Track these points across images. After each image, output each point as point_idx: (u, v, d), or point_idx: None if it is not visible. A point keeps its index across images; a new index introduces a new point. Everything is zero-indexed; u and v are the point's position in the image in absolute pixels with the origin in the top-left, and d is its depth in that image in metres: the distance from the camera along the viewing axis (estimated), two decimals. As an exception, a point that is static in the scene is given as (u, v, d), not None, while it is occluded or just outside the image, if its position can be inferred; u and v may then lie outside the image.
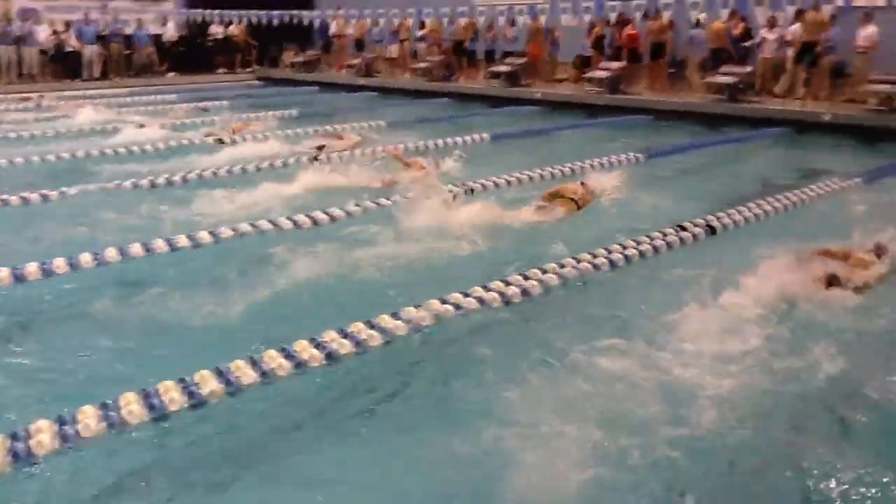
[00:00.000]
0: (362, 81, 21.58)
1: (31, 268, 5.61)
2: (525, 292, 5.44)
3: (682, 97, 15.98)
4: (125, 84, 21.01)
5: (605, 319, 5.25)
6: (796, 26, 14.88)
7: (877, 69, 13.87)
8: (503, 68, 18.88)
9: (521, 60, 19.02)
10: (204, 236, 6.55)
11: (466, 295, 5.21)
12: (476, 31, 20.73)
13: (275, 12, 23.25)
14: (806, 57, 14.78)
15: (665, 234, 6.74)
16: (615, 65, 17.09)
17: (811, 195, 8.31)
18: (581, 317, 5.37)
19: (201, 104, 15.27)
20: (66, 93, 18.24)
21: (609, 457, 3.63)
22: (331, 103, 18.32)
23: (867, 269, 5.79)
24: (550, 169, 9.56)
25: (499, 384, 4.28)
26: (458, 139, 11.84)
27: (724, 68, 15.54)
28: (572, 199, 7.69)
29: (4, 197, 7.81)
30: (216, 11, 23.94)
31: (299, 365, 4.24)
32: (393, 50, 23.02)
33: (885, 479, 3.48)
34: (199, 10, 24.20)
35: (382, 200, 7.92)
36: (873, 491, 3.44)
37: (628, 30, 17.05)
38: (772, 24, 15.30)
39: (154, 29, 23.72)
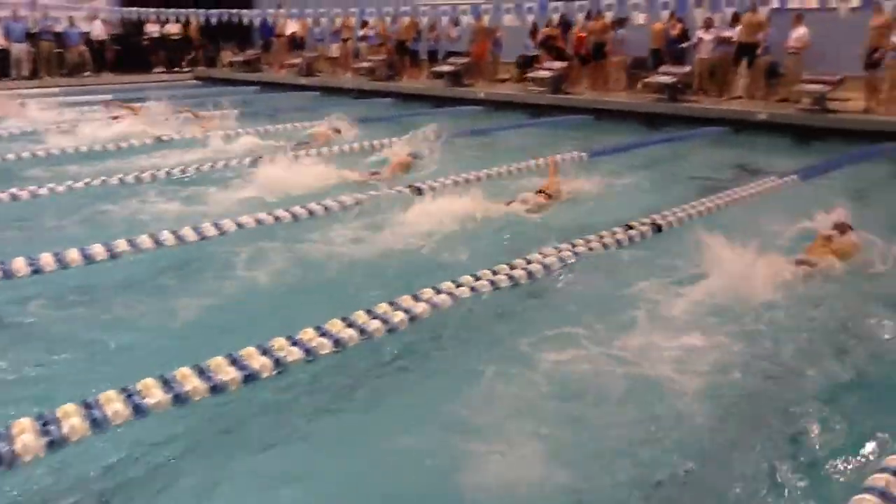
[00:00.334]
0: (304, 81, 21.33)
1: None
2: (474, 289, 5.45)
3: (624, 97, 16.21)
4: (56, 84, 20.33)
5: (557, 318, 5.26)
6: (738, 28, 15.24)
7: (809, 69, 14.27)
8: (446, 68, 18.87)
9: (464, 60, 19.05)
10: (145, 241, 6.34)
11: (417, 299, 5.15)
12: (419, 30, 20.68)
13: (213, 11, 22.78)
14: (744, 57, 15.17)
15: (614, 233, 6.80)
16: (557, 65, 17.23)
17: (752, 192, 8.50)
18: (532, 316, 5.39)
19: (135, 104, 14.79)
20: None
21: (567, 453, 3.65)
22: (272, 103, 18.04)
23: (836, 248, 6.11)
24: (497, 168, 9.57)
25: (451, 384, 4.30)
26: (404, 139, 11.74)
27: (662, 68, 15.82)
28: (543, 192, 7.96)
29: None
30: (152, 10, 23.34)
31: (249, 377, 4.12)
32: (335, 49, 22.82)
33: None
34: (135, 9, 23.55)
35: (343, 198, 7.87)
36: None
37: (577, 31, 17.20)
38: (708, 25, 15.62)
39: (86, 27, 23.01)
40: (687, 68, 15.85)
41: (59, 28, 22.20)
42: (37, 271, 5.65)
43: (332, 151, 10.90)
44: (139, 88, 19.60)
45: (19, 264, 5.62)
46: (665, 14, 15.88)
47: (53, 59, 21.95)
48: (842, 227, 6.40)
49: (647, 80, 15.91)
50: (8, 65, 20.89)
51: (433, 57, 20.46)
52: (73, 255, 5.86)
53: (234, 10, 22.93)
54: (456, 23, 19.73)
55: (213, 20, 23.08)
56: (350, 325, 4.69)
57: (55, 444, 3.46)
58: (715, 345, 4.73)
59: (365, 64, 20.93)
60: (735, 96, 15.34)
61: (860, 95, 13.81)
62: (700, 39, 15.76)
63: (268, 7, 23.83)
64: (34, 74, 21.25)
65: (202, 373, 4.02)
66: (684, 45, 16.42)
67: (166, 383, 3.89)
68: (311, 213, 7.43)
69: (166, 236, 6.42)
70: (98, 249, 6.00)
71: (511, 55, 19.38)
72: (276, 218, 7.19)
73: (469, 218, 7.35)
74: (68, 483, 3.42)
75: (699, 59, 15.93)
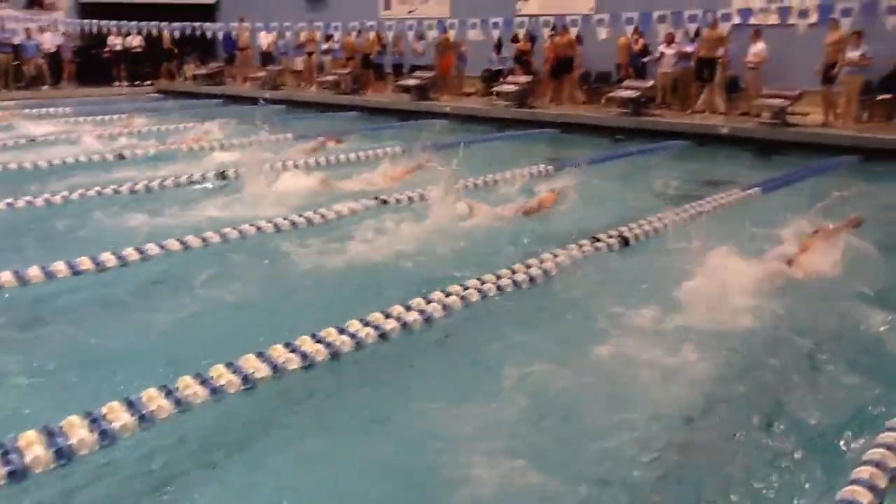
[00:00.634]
0: (268, 94, 21.20)
1: None
2: (445, 307, 5.40)
3: (589, 111, 16.37)
4: (11, 97, 19.92)
5: (527, 332, 5.28)
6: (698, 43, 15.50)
7: (768, 84, 14.55)
8: (412, 82, 18.90)
9: (430, 74, 19.10)
10: (108, 258, 6.21)
11: (388, 315, 5.11)
12: (384, 44, 20.70)
13: (176, 24, 22.55)
14: (705, 72, 15.43)
15: (581, 246, 6.82)
16: (523, 79, 17.36)
17: (716, 204, 8.60)
18: (503, 330, 5.38)
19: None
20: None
21: (539, 465, 3.65)
22: (236, 116, 17.87)
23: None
24: (463, 181, 9.56)
25: (418, 400, 4.29)
26: (371, 153, 11.76)
27: (626, 83, 16.01)
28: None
29: None
30: (113, 22, 23.03)
31: (216, 391, 4.05)
32: (299, 63, 22.73)
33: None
34: (94, 21, 23.23)
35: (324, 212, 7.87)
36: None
37: (549, 46, 17.30)
38: (669, 40, 15.85)
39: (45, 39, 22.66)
40: (650, 83, 16.06)
41: (16, 40, 21.80)
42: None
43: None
44: (100, 102, 19.36)
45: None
46: (629, 29, 16.06)
47: (11, 71, 21.54)
48: (854, 222, 6.95)
49: (611, 94, 16.09)
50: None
51: (398, 71, 20.49)
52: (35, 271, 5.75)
53: (198, 23, 22.73)
54: (421, 37, 19.78)
55: (176, 33, 22.84)
56: (319, 340, 4.64)
57: (16, 474, 3.33)
58: (688, 354, 4.78)
59: (330, 77, 20.88)
60: (698, 110, 15.57)
61: (818, 109, 14.11)
62: (662, 54, 15.99)
63: (230, 20, 23.66)
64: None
65: (169, 393, 3.94)
66: (646, 59, 16.66)
67: (131, 405, 3.80)
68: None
69: (129, 251, 6.31)
70: (59, 266, 5.88)
71: (476, 69, 19.48)
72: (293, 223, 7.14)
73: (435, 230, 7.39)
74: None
75: (661, 73, 16.16)
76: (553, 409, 4.23)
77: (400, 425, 4.11)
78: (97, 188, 8.85)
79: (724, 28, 15.00)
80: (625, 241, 7.17)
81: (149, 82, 24.27)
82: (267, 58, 22.94)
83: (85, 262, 6.00)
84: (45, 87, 21.85)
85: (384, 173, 10.10)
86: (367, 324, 4.92)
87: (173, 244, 6.60)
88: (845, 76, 13.61)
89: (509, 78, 17.69)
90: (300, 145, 12.65)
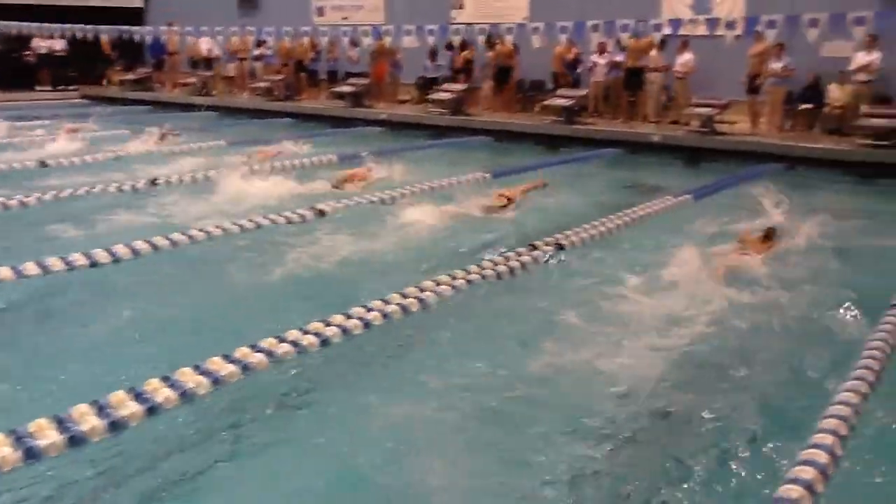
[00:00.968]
0: (199, 100, 20.79)
1: None
2: (385, 315, 5.34)
3: (524, 119, 16.52)
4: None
5: (462, 340, 5.30)
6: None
7: (697, 94, 14.93)
8: (347, 88, 18.77)
9: (364, 81, 19.00)
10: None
11: (328, 324, 5.03)
12: (318, 50, 20.51)
13: (102, 27, 21.86)
14: (632, 81, 15.74)
15: (519, 254, 6.85)
16: (457, 87, 17.42)
17: (649, 211, 8.75)
18: (437, 338, 5.38)
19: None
20: None
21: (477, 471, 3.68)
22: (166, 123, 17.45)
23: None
24: (400, 189, 9.54)
25: (345, 414, 4.27)
26: (306, 160, 11.62)
27: (560, 91, 16.20)
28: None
29: None
30: (35, 25, 22.20)
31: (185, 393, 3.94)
32: (230, 68, 22.35)
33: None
34: (14, 23, 22.34)
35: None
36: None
37: (493, 54, 17.34)
38: (601, 49, 16.12)
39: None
40: (583, 91, 16.29)
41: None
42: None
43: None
44: (23, 107, 18.68)
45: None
46: (563, 38, 16.25)
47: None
48: (769, 233, 7.27)
49: (545, 102, 16.26)
50: None
51: (333, 77, 20.33)
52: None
53: (125, 27, 22.11)
54: (355, 43, 19.68)
55: (103, 37, 22.15)
56: (259, 350, 4.55)
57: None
58: (625, 359, 4.85)
59: (262, 84, 20.59)
60: (626, 119, 15.86)
61: (745, 118, 14.55)
62: (595, 64, 16.25)
63: (158, 24, 23.08)
64: None
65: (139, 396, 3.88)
66: (579, 70, 16.89)
67: (101, 409, 3.74)
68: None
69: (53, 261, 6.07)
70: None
71: (411, 77, 19.48)
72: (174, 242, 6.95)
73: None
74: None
75: (594, 82, 16.42)
76: (484, 413, 4.27)
77: (348, 429, 4.09)
78: (19, 197, 8.51)
79: (651, 38, 15.29)
80: (560, 248, 7.23)
81: (74, 87, 23.51)
82: (206, 63, 22.45)
83: (5, 272, 5.77)
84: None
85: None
86: (306, 332, 4.85)
87: (100, 254, 6.37)
88: (769, 87, 14.08)
89: (444, 86, 17.74)
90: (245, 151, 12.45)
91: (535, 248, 7.07)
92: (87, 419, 3.67)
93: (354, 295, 5.75)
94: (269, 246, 7.20)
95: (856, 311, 5.76)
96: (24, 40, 23.03)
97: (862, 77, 13.49)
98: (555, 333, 5.29)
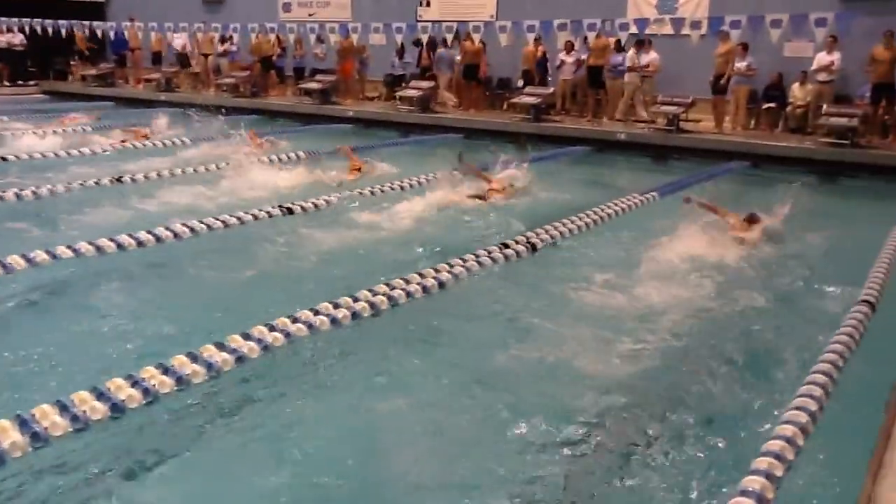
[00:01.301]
0: (163, 97, 20.50)
1: None
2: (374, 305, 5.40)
3: (492, 116, 16.54)
4: None
5: (434, 337, 5.30)
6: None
7: (663, 92, 15.07)
8: (314, 85, 18.64)
9: (332, 78, 18.89)
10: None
11: (295, 320, 4.99)
12: (283, 47, 20.34)
13: (62, 21, 21.41)
14: (594, 80, 15.86)
15: (490, 252, 6.85)
16: (425, 84, 17.40)
17: (617, 209, 8.81)
18: (412, 336, 5.37)
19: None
20: None
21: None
22: (130, 119, 17.19)
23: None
24: (371, 188, 9.50)
25: (331, 407, 4.29)
26: (274, 157, 11.52)
27: (527, 89, 16.26)
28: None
29: None
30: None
31: (116, 406, 3.85)
32: (195, 65, 22.06)
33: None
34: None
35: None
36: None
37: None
38: (569, 48, 16.20)
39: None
40: (550, 90, 16.36)
41: None
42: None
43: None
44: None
45: None
46: (530, 37, 16.30)
47: None
48: (752, 219, 7.69)
49: (512, 100, 16.30)
50: None
51: (300, 74, 20.19)
52: None
53: (87, 21, 21.71)
54: (321, 40, 19.54)
55: (63, 31, 21.68)
56: (223, 349, 4.49)
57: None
58: (594, 353, 4.90)
59: (228, 80, 20.36)
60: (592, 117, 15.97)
61: (710, 117, 14.73)
62: (562, 62, 16.33)
63: (121, 20, 22.71)
64: None
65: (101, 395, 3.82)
66: (549, 69, 16.96)
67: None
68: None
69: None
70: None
71: (378, 73, 19.40)
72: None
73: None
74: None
75: (562, 80, 16.50)
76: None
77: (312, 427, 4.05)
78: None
79: (613, 37, 15.38)
80: (532, 247, 7.25)
81: (33, 83, 23.04)
82: (181, 59, 22.13)
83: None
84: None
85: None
86: (273, 328, 4.81)
87: (64, 251, 6.25)
88: (735, 86, 14.27)
89: (412, 83, 17.71)
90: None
91: (506, 246, 7.08)
92: (49, 417, 3.61)
93: (322, 293, 5.73)
94: (233, 245, 7.12)
95: (819, 307, 5.87)
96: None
97: (823, 77, 13.75)
98: (524, 330, 5.33)
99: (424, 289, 5.91)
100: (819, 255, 7.40)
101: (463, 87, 17.55)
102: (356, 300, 5.44)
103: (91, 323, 5.31)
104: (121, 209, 8.34)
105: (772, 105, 14.54)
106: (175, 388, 4.07)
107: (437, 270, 6.22)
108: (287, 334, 4.79)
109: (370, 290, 5.62)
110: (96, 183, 9.24)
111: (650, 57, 15.21)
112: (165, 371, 4.14)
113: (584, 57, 16.10)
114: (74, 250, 6.29)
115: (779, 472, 3.36)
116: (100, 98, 20.86)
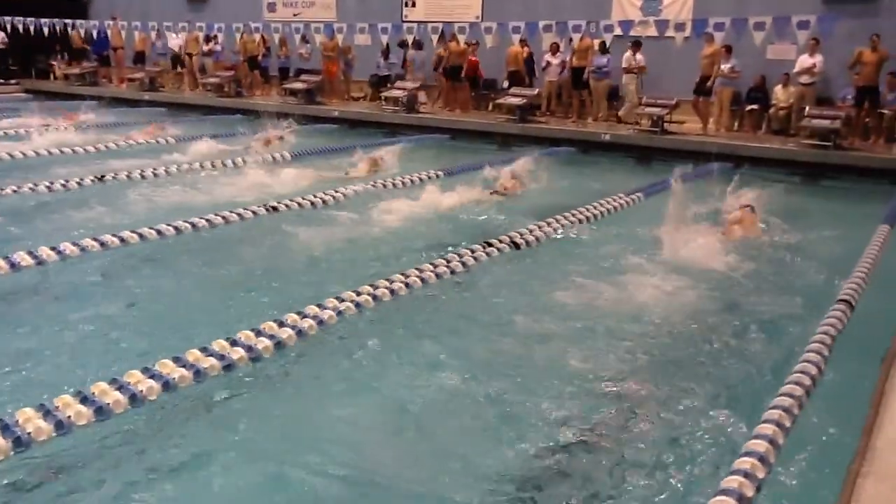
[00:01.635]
0: (147, 96, 20.38)
1: None
2: (360, 305, 5.36)
3: (478, 117, 16.55)
4: None
5: (421, 334, 5.31)
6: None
7: (647, 93, 15.13)
8: (299, 85, 18.59)
9: (317, 78, 18.84)
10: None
11: (282, 324, 4.98)
12: (268, 47, 20.27)
13: (44, 20, 21.23)
14: (579, 81, 15.91)
15: (473, 251, 6.87)
16: (410, 84, 17.39)
17: (603, 209, 8.85)
18: (399, 333, 5.38)
19: None
20: None
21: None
22: (114, 118, 17.10)
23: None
24: (353, 188, 9.50)
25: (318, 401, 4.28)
26: (259, 157, 11.50)
27: (513, 90, 16.27)
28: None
29: None
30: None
31: (100, 409, 3.82)
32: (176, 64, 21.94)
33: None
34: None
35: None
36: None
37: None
38: (554, 49, 16.24)
39: None
40: (536, 90, 16.39)
41: None
42: None
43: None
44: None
45: None
46: (515, 38, 16.31)
47: None
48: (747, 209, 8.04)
49: (498, 101, 16.32)
50: None
51: (284, 74, 20.12)
52: None
53: (69, 20, 21.53)
54: (306, 40, 19.49)
55: (45, 29, 21.49)
56: (209, 353, 4.48)
57: None
58: (584, 354, 4.91)
59: (213, 80, 20.26)
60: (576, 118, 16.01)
61: (694, 118, 14.80)
62: (548, 63, 16.36)
63: (103, 18, 22.52)
64: None
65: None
66: (536, 70, 16.98)
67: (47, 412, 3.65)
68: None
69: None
70: None
71: (364, 74, 19.38)
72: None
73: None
74: None
75: (548, 81, 16.54)
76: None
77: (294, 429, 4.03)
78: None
79: (597, 39, 15.42)
80: (516, 246, 7.27)
81: (14, 81, 22.84)
82: (175, 59, 22.00)
83: None
84: None
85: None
86: (259, 333, 4.80)
87: (48, 252, 6.21)
88: (718, 87, 14.36)
89: (397, 83, 17.71)
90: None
91: (489, 245, 7.10)
92: (32, 422, 3.58)
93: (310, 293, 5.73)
94: (216, 244, 7.11)
95: (801, 306, 5.92)
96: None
97: (805, 79, 13.85)
98: (509, 329, 5.33)
99: (408, 286, 5.93)
100: (802, 256, 7.46)
101: (448, 88, 17.55)
102: (341, 300, 5.45)
103: (76, 326, 5.25)
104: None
105: (755, 107, 14.64)
106: (161, 392, 4.06)
107: (420, 270, 6.24)
108: (272, 336, 4.80)
109: (354, 292, 5.64)
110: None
111: (636, 58, 15.28)
112: (152, 375, 4.13)
113: (568, 58, 16.14)
114: (58, 251, 6.27)
115: (760, 473, 3.39)
116: (83, 97, 20.66)
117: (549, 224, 7.93)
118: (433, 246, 7.36)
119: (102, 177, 9.45)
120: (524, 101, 15.73)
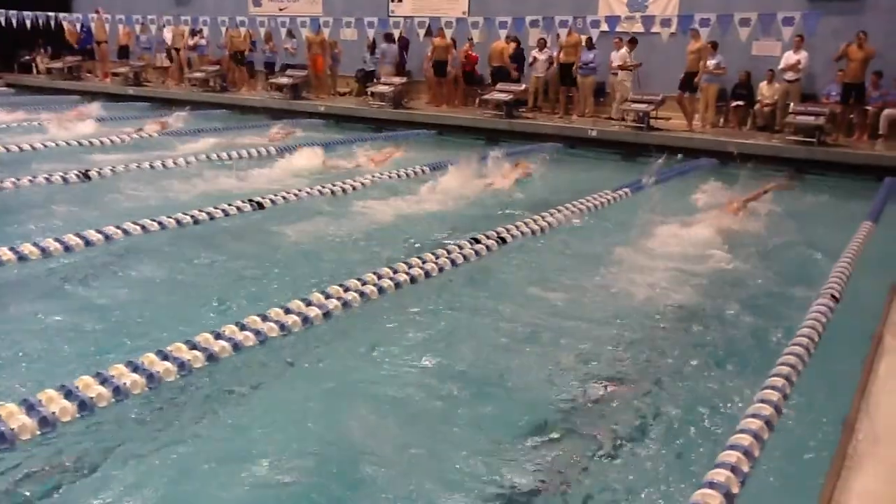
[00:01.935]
0: (132, 91, 20.24)
1: None
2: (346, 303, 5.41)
3: (465, 112, 16.55)
4: None
5: (410, 333, 5.30)
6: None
7: (633, 89, 15.18)
8: (285, 80, 18.51)
9: (303, 73, 18.77)
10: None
11: (265, 319, 4.97)
12: (253, 41, 20.17)
13: (27, 12, 20.98)
14: (566, 77, 15.95)
15: (461, 247, 6.86)
16: (397, 80, 17.35)
17: (589, 205, 8.86)
18: (389, 324, 5.39)
19: None
20: None
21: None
22: (107, 113, 16.93)
23: None
24: (340, 183, 9.48)
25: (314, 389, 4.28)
26: (244, 152, 11.46)
27: (499, 86, 16.27)
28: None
29: None
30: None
31: (84, 404, 3.80)
32: (163, 58, 21.79)
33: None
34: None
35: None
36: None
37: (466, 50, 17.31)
38: (541, 45, 16.26)
39: None
40: (522, 86, 16.40)
41: None
42: None
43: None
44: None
45: None
46: (503, 33, 16.30)
47: None
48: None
49: (484, 96, 16.32)
50: None
51: (270, 69, 20.02)
52: None
53: (52, 13, 21.30)
54: (292, 34, 19.40)
55: (28, 22, 21.24)
56: (194, 347, 4.47)
57: None
58: (573, 347, 4.93)
59: (198, 74, 20.14)
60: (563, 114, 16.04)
61: (680, 114, 14.86)
62: (535, 59, 16.37)
63: (87, 12, 22.30)
64: None
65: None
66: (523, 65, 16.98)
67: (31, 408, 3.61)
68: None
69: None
70: None
71: (350, 69, 19.32)
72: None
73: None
74: None
75: (534, 77, 16.55)
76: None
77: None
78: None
79: (584, 35, 15.44)
80: (503, 241, 7.27)
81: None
82: (168, 53, 21.82)
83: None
84: None
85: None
86: (243, 328, 4.79)
87: (30, 249, 6.16)
88: (704, 84, 14.42)
89: (384, 78, 17.67)
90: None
91: (477, 241, 7.10)
92: (15, 417, 3.56)
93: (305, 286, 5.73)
94: (204, 239, 7.09)
95: (785, 302, 5.97)
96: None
97: (790, 76, 13.94)
98: (500, 323, 5.35)
99: (396, 284, 5.93)
100: (787, 251, 7.51)
101: (434, 82, 17.54)
102: (328, 296, 5.45)
103: (59, 320, 5.22)
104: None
105: (740, 103, 14.71)
106: (147, 386, 4.04)
107: (408, 265, 6.23)
108: (257, 332, 4.79)
109: (342, 287, 5.64)
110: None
111: (620, 54, 15.33)
112: (135, 369, 4.11)
113: (555, 54, 16.16)
114: (41, 248, 6.22)
115: (745, 467, 3.41)
116: (65, 92, 20.51)
117: (535, 221, 7.93)
118: (422, 241, 7.35)
119: (87, 172, 9.37)
120: (511, 96, 15.73)
